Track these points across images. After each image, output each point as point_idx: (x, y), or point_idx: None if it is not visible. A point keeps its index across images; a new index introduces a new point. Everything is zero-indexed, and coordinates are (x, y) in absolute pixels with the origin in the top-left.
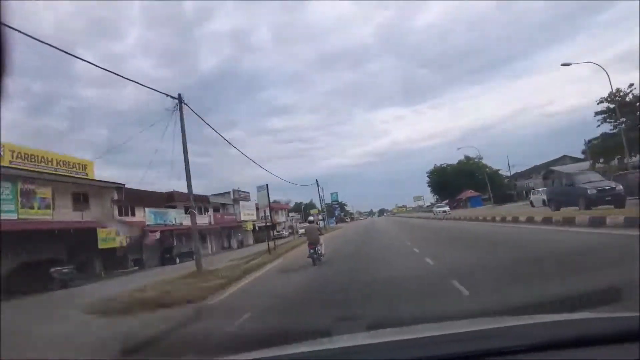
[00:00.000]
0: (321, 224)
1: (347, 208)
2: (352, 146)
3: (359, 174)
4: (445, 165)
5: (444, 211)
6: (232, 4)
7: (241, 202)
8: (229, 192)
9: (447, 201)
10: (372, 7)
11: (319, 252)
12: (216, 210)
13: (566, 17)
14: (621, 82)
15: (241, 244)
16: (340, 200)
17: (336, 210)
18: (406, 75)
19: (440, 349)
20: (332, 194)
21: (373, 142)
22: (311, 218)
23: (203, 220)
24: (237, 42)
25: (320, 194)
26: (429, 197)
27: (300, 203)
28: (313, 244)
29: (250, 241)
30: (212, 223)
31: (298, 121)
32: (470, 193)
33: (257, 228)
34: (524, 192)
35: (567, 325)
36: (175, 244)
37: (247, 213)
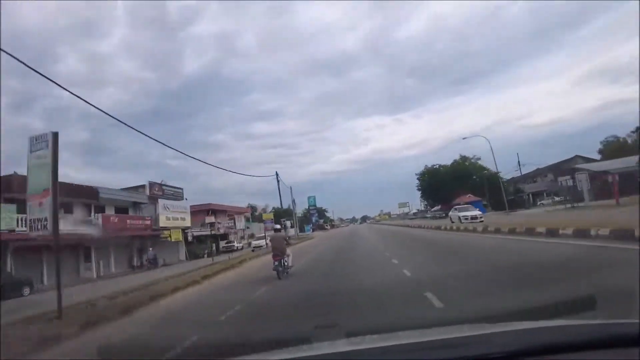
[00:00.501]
0: (290, 231)
1: (327, 214)
2: (336, 153)
3: (342, 180)
4: (438, 167)
5: (474, 217)
6: (218, 8)
7: (161, 201)
8: (143, 186)
9: (439, 206)
10: (358, 15)
11: (286, 264)
12: (123, 211)
13: (548, 31)
14: (599, 96)
15: (154, 263)
16: (320, 205)
17: (314, 216)
18: (390, 84)
19: (422, 355)
20: (309, 198)
21: (357, 150)
22: (277, 226)
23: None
24: (223, 46)
25: (288, 192)
26: (417, 204)
27: (280, 207)
28: (279, 255)
29: (182, 256)
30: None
31: (282, 126)
32: (469, 198)
33: (191, 238)
34: (530, 196)
35: (555, 331)
36: None
37: (172, 217)
